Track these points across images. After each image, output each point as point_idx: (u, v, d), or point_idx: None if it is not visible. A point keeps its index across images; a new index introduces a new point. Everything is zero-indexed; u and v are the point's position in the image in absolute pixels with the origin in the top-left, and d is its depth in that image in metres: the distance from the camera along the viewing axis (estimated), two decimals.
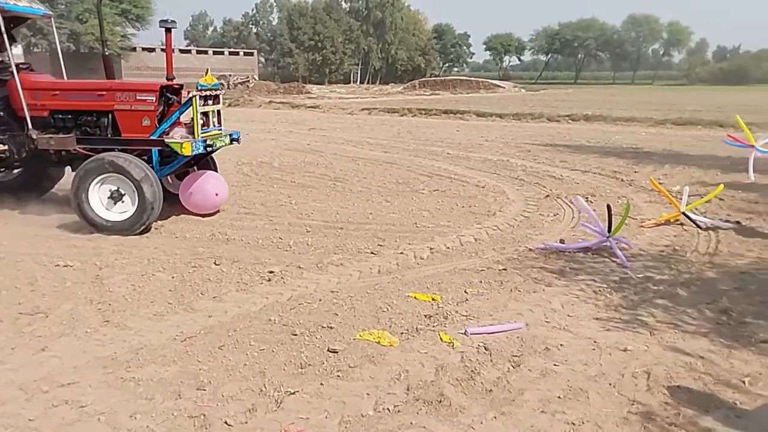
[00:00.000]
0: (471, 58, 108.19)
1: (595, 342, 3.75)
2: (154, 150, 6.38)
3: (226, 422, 2.84)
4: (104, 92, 6.53)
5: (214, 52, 61.90)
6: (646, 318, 4.13)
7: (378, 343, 3.69)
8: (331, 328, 3.91)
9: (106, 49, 7.03)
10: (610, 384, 3.25)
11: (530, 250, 5.70)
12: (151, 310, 4.23)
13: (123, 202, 6.17)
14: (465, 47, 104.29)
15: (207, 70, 6.75)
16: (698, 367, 3.45)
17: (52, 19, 7.48)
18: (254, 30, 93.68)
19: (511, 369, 3.40)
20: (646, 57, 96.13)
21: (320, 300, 4.39)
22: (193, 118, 6.30)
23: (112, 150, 6.34)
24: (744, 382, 3.27)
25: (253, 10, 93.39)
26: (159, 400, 3.03)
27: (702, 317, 4.15)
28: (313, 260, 5.34)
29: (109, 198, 6.18)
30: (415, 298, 4.43)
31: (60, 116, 6.66)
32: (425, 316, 4.10)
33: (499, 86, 52.76)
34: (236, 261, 5.28)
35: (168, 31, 6.36)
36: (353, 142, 14.61)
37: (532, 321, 4.05)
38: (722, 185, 7.26)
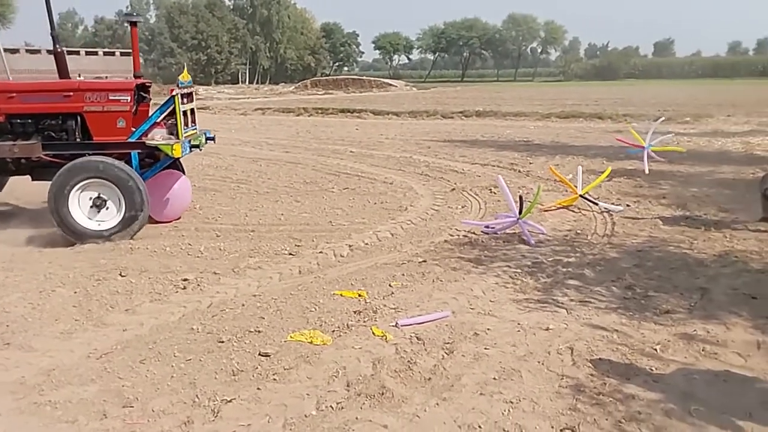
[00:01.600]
0: (361, 57, 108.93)
1: (518, 324, 3.90)
2: (134, 153, 6.02)
3: None
4: (71, 93, 5.99)
5: (87, 53, 57.51)
6: (561, 298, 4.36)
7: (311, 342, 3.63)
8: (259, 332, 3.79)
9: (58, 45, 6.33)
10: (539, 362, 3.39)
11: (446, 241, 5.85)
12: (56, 328, 3.91)
13: (107, 209, 5.81)
14: (354, 46, 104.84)
15: (184, 66, 6.42)
16: (615, 339, 3.68)
17: None
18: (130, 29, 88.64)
19: (445, 356, 3.46)
20: (526, 55, 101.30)
21: (243, 305, 4.25)
22: (175, 118, 6.02)
23: (83, 155, 5.87)
24: (656, 350, 3.53)
25: (127, 7, 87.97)
26: (83, 422, 2.80)
27: (610, 294, 4.44)
28: (229, 265, 5.16)
29: (91, 206, 5.78)
30: (341, 295, 4.40)
31: (18, 121, 6.02)
32: (354, 312, 4.08)
33: (391, 85, 53.56)
34: (144, 271, 4.99)
35: (133, 25, 6.10)
36: (251, 142, 14.30)
37: (457, 308, 4.15)
38: (610, 168, 7.80)
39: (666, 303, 4.23)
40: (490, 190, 8.19)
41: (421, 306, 4.19)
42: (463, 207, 7.31)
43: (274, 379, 3.20)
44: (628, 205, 7.28)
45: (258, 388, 3.10)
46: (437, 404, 2.96)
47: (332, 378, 3.21)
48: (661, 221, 6.49)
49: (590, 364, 3.36)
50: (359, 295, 4.40)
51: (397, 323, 3.86)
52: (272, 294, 4.46)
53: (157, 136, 6.08)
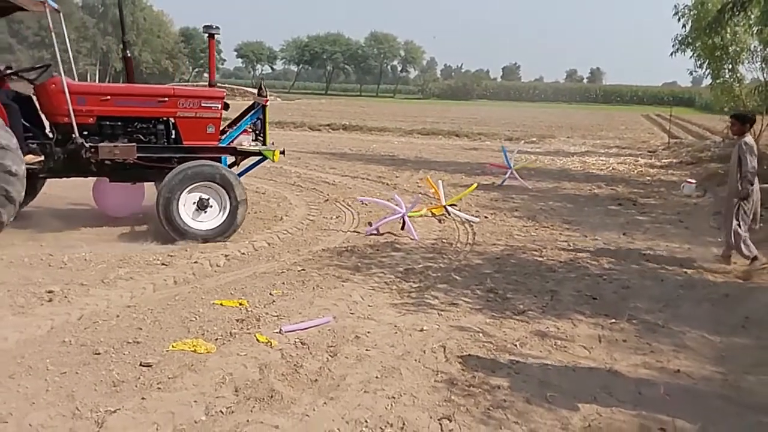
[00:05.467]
0: (222, 64, 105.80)
1: (396, 326, 4.17)
2: (224, 158, 6.41)
3: None
4: (166, 98, 6.24)
5: None
6: (432, 301, 4.70)
7: (194, 351, 3.62)
8: (138, 342, 3.71)
9: (128, 51, 6.50)
10: (415, 360, 3.67)
11: (323, 249, 6.03)
12: None
13: (209, 209, 6.08)
14: (215, 53, 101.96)
15: (261, 78, 6.40)
16: (480, 337, 4.06)
17: (61, 14, 6.00)
18: None
19: (329, 358, 3.62)
20: (387, 72, 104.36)
21: (118, 316, 4.12)
22: (264, 125, 6.52)
23: (171, 158, 6.21)
24: (516, 345, 3.96)
25: None
26: None
27: (475, 296, 4.86)
28: (97, 276, 4.94)
29: (195, 207, 6.04)
30: (221, 304, 4.41)
31: (108, 123, 6.12)
32: (236, 320, 4.11)
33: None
34: (2, 283, 4.64)
35: (211, 36, 6.42)
36: None
37: (338, 314, 4.33)
38: (476, 184, 8.44)
39: (522, 304, 4.71)
40: (362, 201, 8.49)
41: (303, 313, 4.32)
42: (337, 217, 7.53)
43: (159, 388, 3.17)
44: (486, 217, 7.90)
45: (143, 398, 3.06)
46: (325, 403, 3.11)
47: (219, 384, 3.25)
48: (515, 231, 7.16)
49: (461, 360, 3.69)
50: (240, 304, 4.43)
51: (281, 329, 3.96)
52: (148, 305, 4.36)
53: (244, 142, 6.53)
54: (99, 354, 3.53)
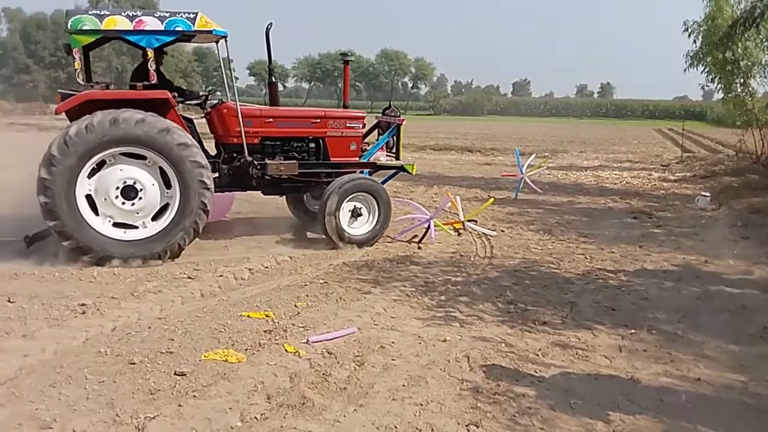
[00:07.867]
0: (235, 82, 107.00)
1: (419, 337, 4.26)
2: (366, 171, 7.17)
3: None
4: (318, 120, 6.92)
5: None
6: (454, 313, 4.79)
7: (226, 361, 3.74)
8: (171, 352, 3.84)
9: (273, 77, 7.19)
10: (441, 369, 3.76)
11: (344, 263, 6.15)
12: None
13: (360, 217, 6.76)
14: (228, 71, 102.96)
15: (390, 100, 7.21)
16: (503, 348, 4.14)
17: (226, 40, 6.34)
18: None
19: (357, 368, 3.72)
20: (398, 89, 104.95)
21: (149, 328, 4.25)
22: (397, 141, 7.30)
23: (320, 173, 6.90)
24: (538, 355, 4.03)
25: None
26: None
27: (496, 309, 4.94)
28: (126, 289, 5.09)
29: (350, 215, 6.69)
30: (248, 316, 4.53)
31: (269, 143, 6.77)
32: (264, 331, 4.23)
33: None
34: (36, 296, 4.80)
35: (346, 63, 7.20)
36: None
37: (362, 325, 4.43)
38: (493, 199, 8.55)
39: (543, 315, 4.78)
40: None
41: (328, 324, 4.43)
42: None
43: (194, 396, 3.29)
44: (502, 231, 7.98)
45: (179, 405, 3.17)
46: (355, 410, 3.21)
47: (252, 392, 3.35)
48: (532, 244, 7.24)
49: (485, 370, 3.78)
50: (266, 316, 4.54)
51: (308, 340, 4.07)
52: (178, 317, 4.48)
53: (381, 158, 7.26)
54: (134, 364, 3.65)
